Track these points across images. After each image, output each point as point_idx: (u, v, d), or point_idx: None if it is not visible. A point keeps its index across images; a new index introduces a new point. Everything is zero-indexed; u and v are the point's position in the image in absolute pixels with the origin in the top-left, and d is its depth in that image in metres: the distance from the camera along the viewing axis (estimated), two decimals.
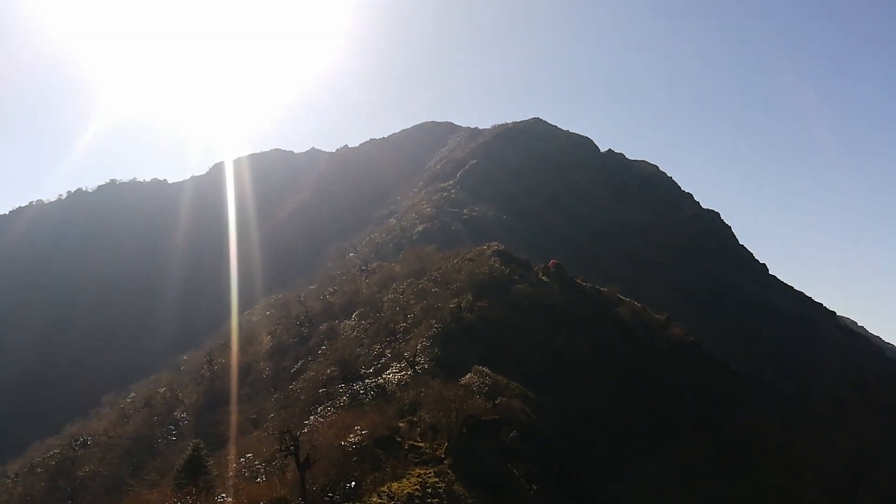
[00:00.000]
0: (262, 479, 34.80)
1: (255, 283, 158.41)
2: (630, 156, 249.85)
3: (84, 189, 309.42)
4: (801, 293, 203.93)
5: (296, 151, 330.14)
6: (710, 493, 53.04)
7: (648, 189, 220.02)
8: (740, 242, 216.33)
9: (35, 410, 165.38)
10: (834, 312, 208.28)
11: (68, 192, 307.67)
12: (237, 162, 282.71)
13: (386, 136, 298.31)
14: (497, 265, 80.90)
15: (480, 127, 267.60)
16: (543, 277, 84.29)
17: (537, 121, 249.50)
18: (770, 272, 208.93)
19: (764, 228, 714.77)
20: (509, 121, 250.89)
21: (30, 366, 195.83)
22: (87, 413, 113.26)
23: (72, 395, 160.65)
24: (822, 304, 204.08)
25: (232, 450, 47.14)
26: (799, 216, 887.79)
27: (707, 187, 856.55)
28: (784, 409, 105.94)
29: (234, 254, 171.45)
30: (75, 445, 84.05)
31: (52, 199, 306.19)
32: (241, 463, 41.61)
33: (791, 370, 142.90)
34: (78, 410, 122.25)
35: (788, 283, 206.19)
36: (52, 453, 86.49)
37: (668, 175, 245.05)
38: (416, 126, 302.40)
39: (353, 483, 30.28)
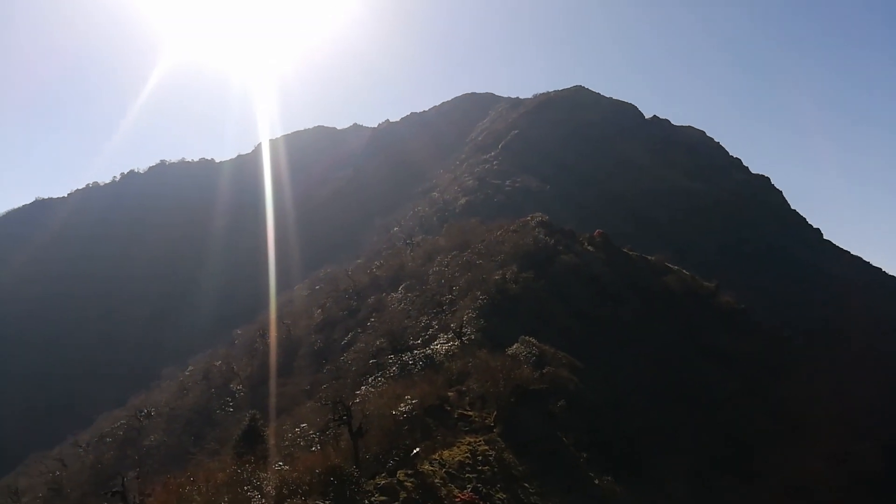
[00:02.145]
0: (316, 447, 35.68)
1: (298, 258, 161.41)
2: (675, 122, 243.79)
3: (136, 171, 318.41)
4: (858, 258, 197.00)
5: (338, 128, 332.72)
6: (763, 462, 52.50)
7: (695, 155, 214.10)
8: (792, 207, 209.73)
9: (97, 385, 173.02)
10: None
11: (121, 174, 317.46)
12: (280, 140, 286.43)
13: (427, 108, 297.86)
14: (541, 236, 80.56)
15: (522, 97, 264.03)
16: (589, 247, 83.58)
17: (580, 89, 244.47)
18: (824, 237, 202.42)
19: (820, 192, 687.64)
20: (551, 90, 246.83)
21: (89, 342, 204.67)
22: (149, 386, 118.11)
23: (130, 370, 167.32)
24: (881, 269, 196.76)
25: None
26: (855, 177, 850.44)
27: (759, 151, 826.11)
28: (840, 376, 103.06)
29: (272, 231, 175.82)
30: (140, 416, 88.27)
31: (107, 181, 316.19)
32: (296, 432, 42.93)
33: (847, 337, 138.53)
34: (136, 384, 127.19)
35: (844, 248, 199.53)
36: (119, 424, 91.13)
37: (716, 140, 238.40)
38: (457, 98, 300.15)
39: (417, 450, 30.87)
